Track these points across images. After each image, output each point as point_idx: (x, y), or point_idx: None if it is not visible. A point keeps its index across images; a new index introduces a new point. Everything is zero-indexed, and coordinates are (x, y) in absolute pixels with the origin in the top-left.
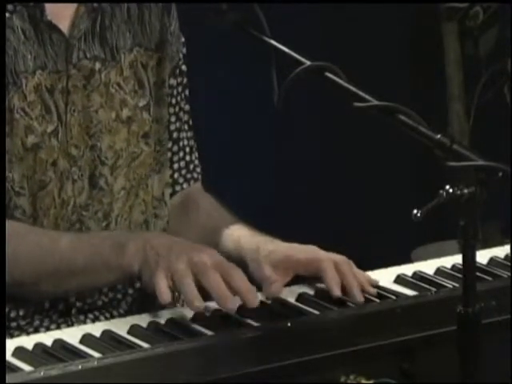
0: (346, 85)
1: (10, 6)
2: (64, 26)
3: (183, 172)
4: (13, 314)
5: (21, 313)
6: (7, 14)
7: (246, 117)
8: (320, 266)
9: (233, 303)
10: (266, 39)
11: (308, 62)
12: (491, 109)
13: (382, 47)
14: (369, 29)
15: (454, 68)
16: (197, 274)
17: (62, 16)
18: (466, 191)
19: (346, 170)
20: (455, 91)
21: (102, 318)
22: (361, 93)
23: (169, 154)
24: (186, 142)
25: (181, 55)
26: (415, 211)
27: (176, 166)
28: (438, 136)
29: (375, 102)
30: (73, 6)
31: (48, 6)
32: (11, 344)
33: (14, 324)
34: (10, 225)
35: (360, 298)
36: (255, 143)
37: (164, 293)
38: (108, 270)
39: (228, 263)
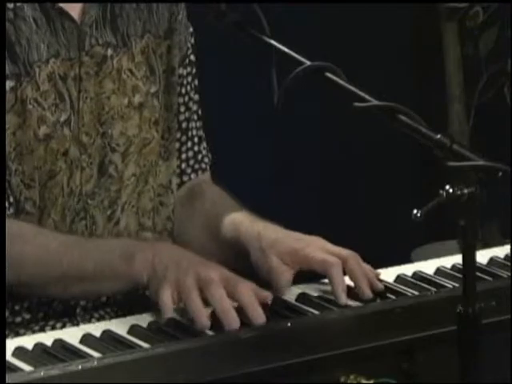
0: (346, 85)
1: None
2: (75, 13)
3: (191, 162)
4: (17, 307)
5: (25, 305)
6: (19, 4)
7: (246, 117)
8: (328, 270)
9: (235, 322)
10: (266, 39)
11: (308, 62)
12: (491, 109)
13: (382, 47)
14: (369, 29)
15: (454, 68)
16: (203, 288)
17: (72, 3)
18: (465, 191)
19: (345, 170)
20: (455, 91)
21: (107, 317)
22: (361, 93)
23: (177, 144)
24: (194, 132)
25: (189, 45)
26: (415, 211)
27: (184, 156)
28: (438, 136)
29: (375, 102)
30: None
31: None
32: (11, 344)
33: (18, 319)
34: (16, 225)
35: (369, 294)
36: (255, 143)
37: (167, 307)
38: (116, 278)
39: (236, 278)
